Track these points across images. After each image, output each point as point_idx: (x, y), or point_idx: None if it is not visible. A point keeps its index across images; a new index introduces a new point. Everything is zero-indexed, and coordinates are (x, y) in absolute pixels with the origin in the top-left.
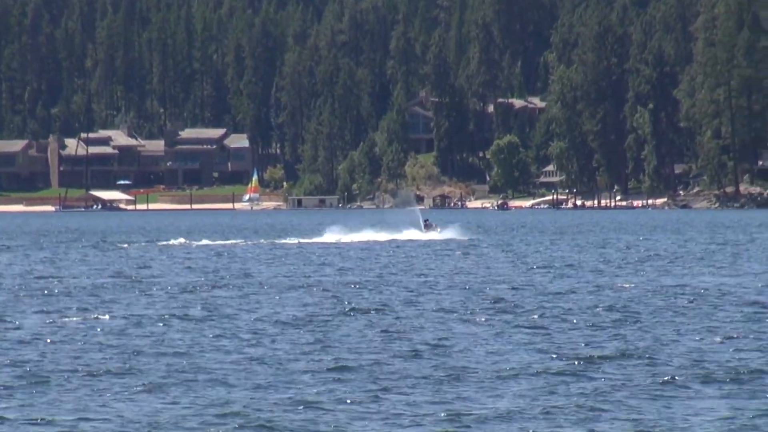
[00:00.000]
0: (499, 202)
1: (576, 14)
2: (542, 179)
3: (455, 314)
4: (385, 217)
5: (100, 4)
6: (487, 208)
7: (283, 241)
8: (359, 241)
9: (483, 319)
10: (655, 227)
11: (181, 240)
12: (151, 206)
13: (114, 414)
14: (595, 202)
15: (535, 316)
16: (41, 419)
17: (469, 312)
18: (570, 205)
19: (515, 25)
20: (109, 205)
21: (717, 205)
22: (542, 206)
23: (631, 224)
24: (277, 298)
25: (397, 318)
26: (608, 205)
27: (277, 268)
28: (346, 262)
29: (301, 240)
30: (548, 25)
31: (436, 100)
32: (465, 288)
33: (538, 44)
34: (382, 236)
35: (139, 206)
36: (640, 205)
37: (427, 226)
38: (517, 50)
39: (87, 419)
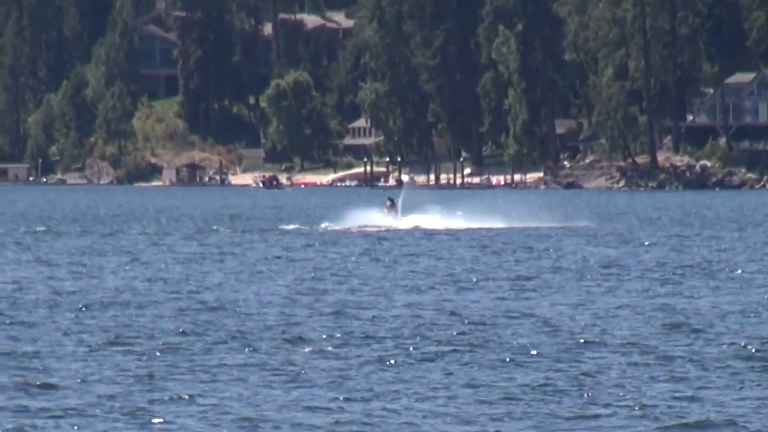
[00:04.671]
0: (266, 176)
1: None
2: (348, 141)
3: None
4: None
5: None
6: (249, 185)
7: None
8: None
9: None
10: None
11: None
12: None
13: None
14: (432, 177)
15: None
16: None
17: None
18: (392, 181)
19: None
20: None
21: (621, 183)
22: (348, 183)
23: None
24: None
25: None
26: (452, 181)
27: None
28: None
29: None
30: None
31: (182, 14)
32: None
33: None
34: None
35: None
36: (501, 182)
37: (390, 208)
38: None
39: None
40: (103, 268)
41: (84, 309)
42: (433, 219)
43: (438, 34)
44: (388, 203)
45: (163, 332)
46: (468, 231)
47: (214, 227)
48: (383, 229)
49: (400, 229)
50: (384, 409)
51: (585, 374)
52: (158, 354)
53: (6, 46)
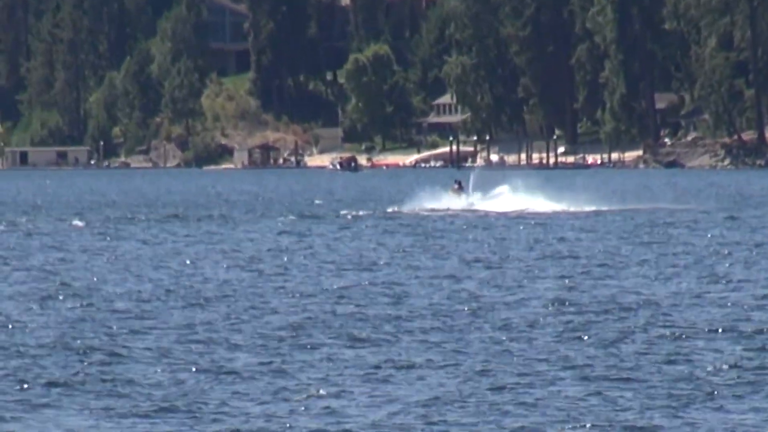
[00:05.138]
0: (343, 157)
1: None
2: (433, 118)
3: None
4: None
5: None
6: (326, 167)
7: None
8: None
9: None
10: None
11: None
12: None
13: None
14: (523, 156)
15: None
16: None
17: None
18: (480, 161)
19: None
20: None
21: (726, 161)
22: (432, 164)
23: None
24: None
25: None
26: (544, 161)
27: None
28: None
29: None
30: None
31: None
32: None
33: None
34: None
35: None
36: (597, 161)
37: (457, 191)
38: None
39: None
40: (179, 254)
41: (161, 300)
42: (537, 201)
43: (529, 2)
44: (455, 186)
45: (240, 325)
46: (573, 214)
47: (283, 217)
48: (474, 212)
49: (489, 213)
50: (498, 402)
51: (702, 367)
52: (237, 350)
53: (65, 19)
